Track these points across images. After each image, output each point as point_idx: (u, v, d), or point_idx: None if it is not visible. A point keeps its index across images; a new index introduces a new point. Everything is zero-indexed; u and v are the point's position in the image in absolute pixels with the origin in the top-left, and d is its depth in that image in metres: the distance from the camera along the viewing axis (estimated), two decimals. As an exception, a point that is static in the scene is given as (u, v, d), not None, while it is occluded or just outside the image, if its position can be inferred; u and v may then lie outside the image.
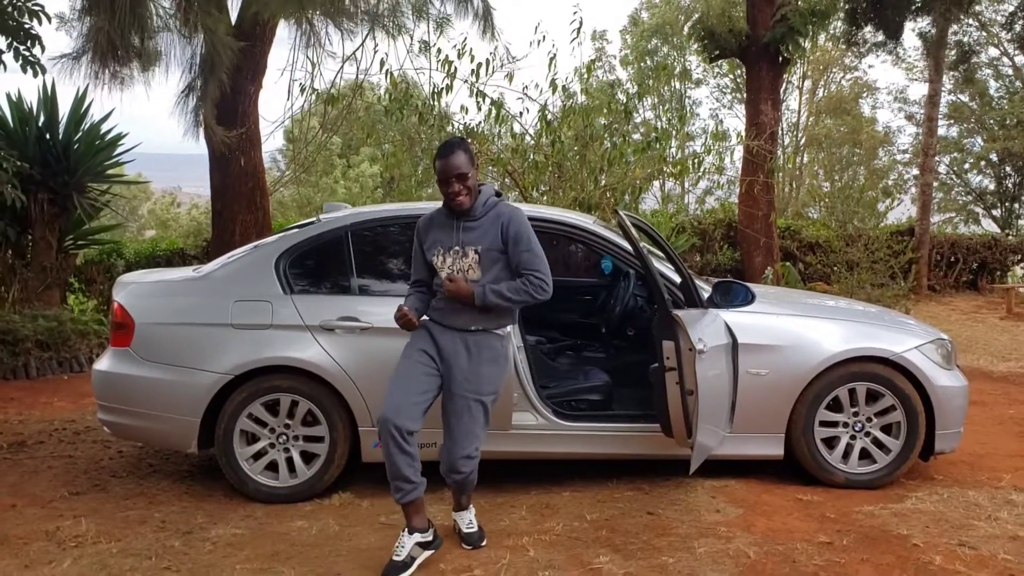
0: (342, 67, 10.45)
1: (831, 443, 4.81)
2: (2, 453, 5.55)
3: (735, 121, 31.68)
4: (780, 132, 15.36)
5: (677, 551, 3.89)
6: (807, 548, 3.92)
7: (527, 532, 4.12)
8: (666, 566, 3.73)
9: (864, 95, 31.42)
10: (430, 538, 3.81)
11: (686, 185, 24.00)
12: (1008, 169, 26.25)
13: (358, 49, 10.20)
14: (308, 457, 4.63)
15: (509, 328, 4.06)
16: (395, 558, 3.67)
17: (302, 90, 10.13)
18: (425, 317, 3.94)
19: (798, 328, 4.84)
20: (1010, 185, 26.39)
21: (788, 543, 3.98)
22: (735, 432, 4.68)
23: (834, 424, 4.80)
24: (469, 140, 8.59)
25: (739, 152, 13.38)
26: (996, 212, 26.81)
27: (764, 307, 4.92)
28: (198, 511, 4.46)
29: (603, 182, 8.66)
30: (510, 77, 8.59)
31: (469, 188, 3.77)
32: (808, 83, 31.81)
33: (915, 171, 26.37)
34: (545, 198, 8.77)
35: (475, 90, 8.53)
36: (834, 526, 4.20)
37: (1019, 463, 5.34)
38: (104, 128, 10.04)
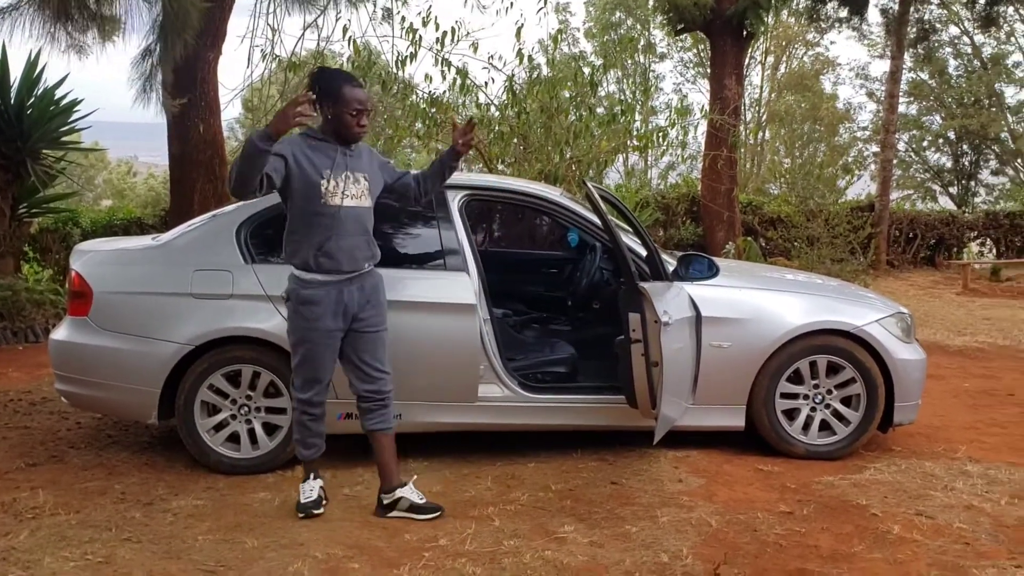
0: (303, 34, 10.26)
1: (792, 415, 4.87)
2: (-45, 424, 5.44)
3: (698, 96, 31.81)
4: (743, 107, 15.40)
5: (640, 520, 3.92)
6: (768, 518, 3.97)
7: (492, 502, 4.13)
8: (629, 535, 3.76)
9: (825, 71, 31.66)
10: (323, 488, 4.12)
11: (649, 160, 24.06)
12: (965, 147, 26.69)
13: (319, 16, 10.03)
14: (270, 429, 4.58)
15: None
16: (305, 499, 3.98)
17: (263, 57, 9.94)
18: (316, 277, 3.85)
19: (760, 301, 4.88)
20: (967, 163, 26.84)
21: (749, 512, 4.03)
22: (697, 403, 4.72)
23: (795, 396, 4.86)
24: (433, 110, 8.54)
25: (703, 127, 13.44)
26: (953, 190, 27.24)
27: (727, 281, 4.94)
28: (159, 482, 4.40)
29: (568, 155, 8.62)
30: (475, 47, 8.47)
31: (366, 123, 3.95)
32: (771, 59, 31.96)
33: (875, 148, 26.71)
34: (510, 170, 8.72)
35: (440, 59, 8.43)
36: (794, 496, 4.26)
37: (974, 435, 5.45)
38: (59, 93, 9.78)
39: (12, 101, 9.41)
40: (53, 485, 4.34)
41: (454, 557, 3.52)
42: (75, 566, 3.41)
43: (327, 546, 3.62)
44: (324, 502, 4.02)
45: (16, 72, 9.53)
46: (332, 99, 3.83)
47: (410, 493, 3.98)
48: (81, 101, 9.87)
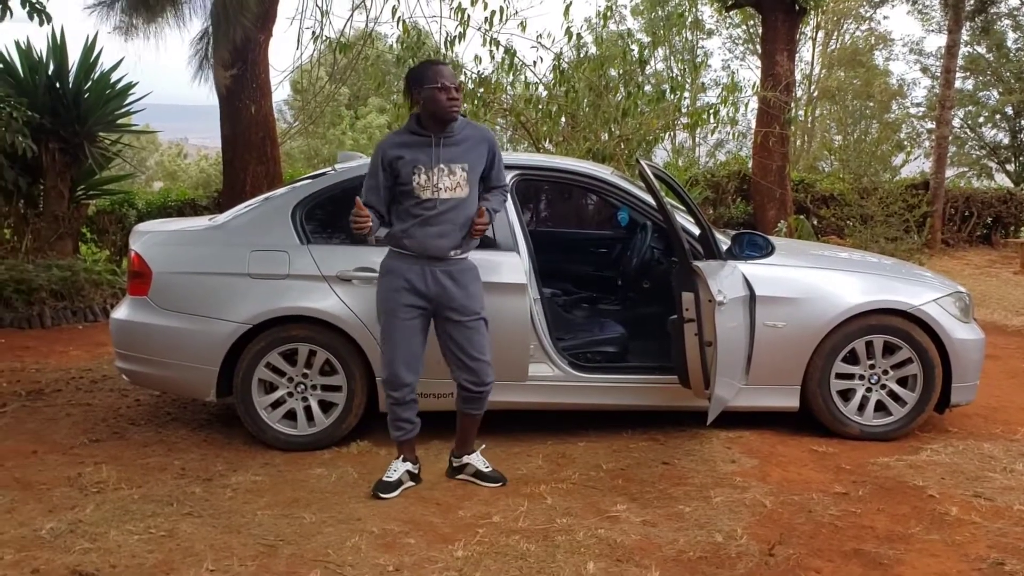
0: (352, 15, 10.36)
1: (847, 395, 4.82)
2: (21, 401, 5.60)
3: (747, 72, 31.35)
4: (794, 84, 15.13)
5: (693, 500, 3.92)
6: (823, 498, 3.95)
7: (544, 480, 4.16)
8: (682, 514, 3.76)
9: (879, 47, 30.98)
10: (416, 471, 4.14)
11: (697, 138, 23.83)
12: (1023, 123, 25.94)
13: (369, -3, 10.06)
14: (326, 406, 4.65)
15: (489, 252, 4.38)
16: (386, 478, 4.01)
17: (312, 38, 10.02)
18: (401, 252, 3.92)
19: (815, 280, 4.82)
20: (1024, 139, 26.10)
21: (804, 493, 4.01)
22: (751, 384, 4.69)
23: (850, 376, 4.80)
24: (481, 90, 8.54)
25: (753, 104, 13.24)
26: (1010, 167, 26.54)
27: (781, 259, 4.90)
28: (217, 459, 4.50)
29: (617, 133, 8.57)
30: (523, 26, 8.45)
31: (458, 99, 3.89)
32: (821, 34, 31.34)
33: (930, 124, 26.08)
34: (558, 148, 8.70)
35: (488, 38, 8.42)
36: (849, 477, 4.23)
37: (1033, 416, 5.35)
38: (114, 77, 9.96)
39: (71, 85, 9.61)
40: (115, 461, 4.46)
41: (508, 534, 3.55)
42: (139, 539, 3.50)
43: (383, 521, 3.68)
44: (403, 487, 4.03)
45: (74, 56, 9.72)
46: (418, 84, 3.86)
47: (477, 460, 4.17)
48: (136, 84, 10.05)
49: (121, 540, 3.49)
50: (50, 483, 4.13)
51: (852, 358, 4.79)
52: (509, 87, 8.95)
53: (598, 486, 4.11)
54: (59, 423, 5.13)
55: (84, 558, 3.33)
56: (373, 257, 4.51)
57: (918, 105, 29.94)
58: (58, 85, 9.56)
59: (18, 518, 3.70)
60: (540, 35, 8.63)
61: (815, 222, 14.87)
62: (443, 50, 8.56)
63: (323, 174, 4.96)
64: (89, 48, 9.67)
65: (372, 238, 3.96)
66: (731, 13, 23.45)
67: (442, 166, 3.86)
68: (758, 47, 20.05)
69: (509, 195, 4.65)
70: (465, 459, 4.19)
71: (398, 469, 4.05)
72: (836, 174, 16.78)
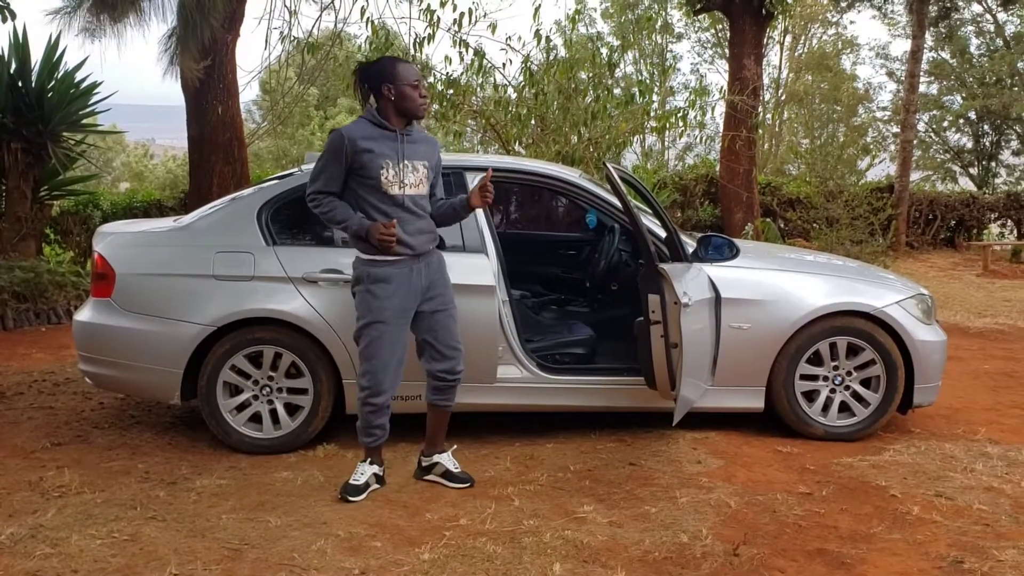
0: (320, 15, 10.26)
1: (811, 396, 4.87)
2: (-19, 404, 5.51)
3: (716, 76, 31.53)
4: (762, 88, 15.26)
5: (659, 501, 3.94)
6: (787, 498, 3.98)
7: (512, 482, 4.16)
8: (649, 515, 3.78)
9: (845, 51, 31.33)
10: (382, 473, 4.12)
11: (667, 141, 23.95)
12: (986, 127, 26.34)
13: (338, -3, 10.02)
14: (292, 409, 4.62)
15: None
16: (353, 481, 3.99)
17: (281, 38, 9.95)
18: (386, 258, 3.88)
19: (780, 283, 4.87)
20: (987, 143, 26.50)
21: (768, 494, 4.04)
22: (717, 385, 4.72)
23: (814, 378, 4.85)
24: (451, 91, 8.53)
25: (721, 108, 13.33)
26: (973, 171, 26.94)
27: (747, 262, 4.94)
28: (182, 462, 4.46)
29: (586, 136, 8.60)
30: (493, 28, 8.44)
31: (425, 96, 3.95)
32: (789, 39, 31.65)
33: (895, 128, 26.40)
34: (528, 151, 8.71)
35: (457, 40, 8.41)
36: (814, 477, 4.27)
37: (994, 416, 5.43)
38: (79, 76, 9.84)
39: (33, 84, 9.48)
40: (78, 464, 4.40)
41: (475, 536, 3.55)
42: (102, 544, 3.46)
43: (349, 525, 3.66)
44: (370, 488, 4.01)
45: (36, 55, 9.59)
46: (389, 79, 3.86)
47: (447, 460, 4.17)
48: (101, 84, 9.93)
49: (83, 545, 3.44)
50: (10, 487, 4.06)
51: (816, 359, 4.84)
52: (479, 89, 8.94)
53: (565, 487, 4.12)
54: (21, 426, 5.06)
55: (45, 563, 3.28)
56: (339, 259, 4.50)
57: (884, 109, 30.32)
58: (20, 84, 9.43)
59: (-23, 523, 3.64)
60: (510, 37, 8.64)
61: (782, 225, 15.02)
62: (412, 51, 8.54)
63: (290, 175, 4.92)
64: (52, 47, 9.55)
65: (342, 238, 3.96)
66: (700, 17, 23.61)
67: (407, 162, 3.87)
68: (727, 51, 20.23)
69: None
70: (435, 458, 4.18)
71: (365, 472, 4.03)
72: (803, 177, 16.95)
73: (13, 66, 9.45)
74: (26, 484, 4.10)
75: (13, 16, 8.51)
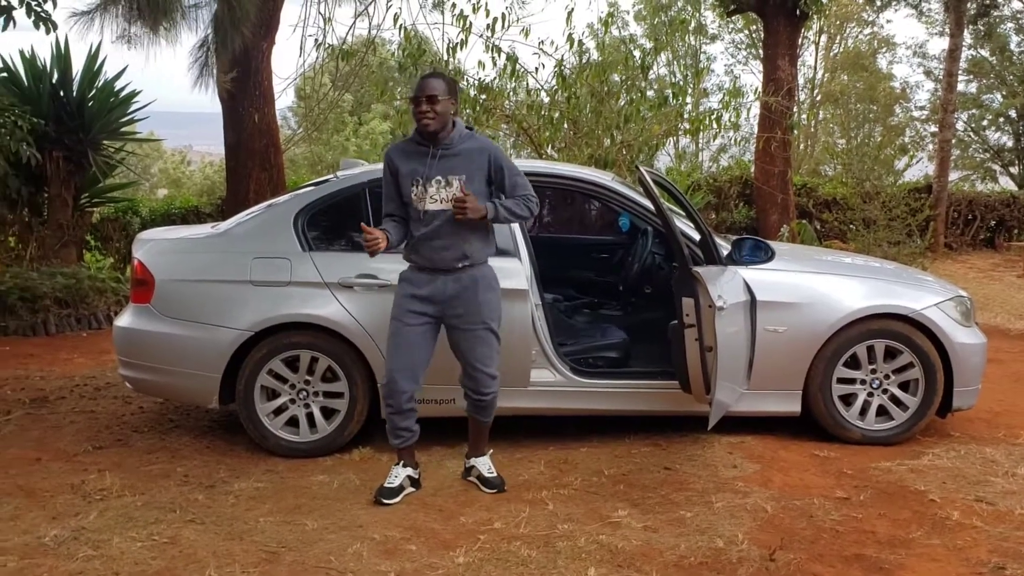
0: (354, 22, 10.39)
1: (848, 400, 4.82)
2: (25, 408, 5.61)
3: (750, 77, 31.35)
4: (796, 88, 15.11)
5: (695, 505, 3.92)
6: (824, 503, 3.95)
7: (545, 486, 4.16)
8: (684, 520, 3.77)
9: (881, 51, 30.97)
10: (417, 476, 4.14)
11: (700, 143, 23.84)
12: (1026, 126, 25.91)
13: (371, 4, 10.12)
14: (328, 413, 4.66)
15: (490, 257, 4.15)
16: (387, 484, 4.02)
17: (315, 45, 10.06)
18: (409, 261, 4.00)
19: (817, 285, 4.83)
20: (1028, 142, 26.06)
21: (805, 498, 4.01)
22: (752, 389, 4.69)
23: (852, 381, 4.80)
24: (483, 96, 8.56)
25: (755, 109, 13.24)
26: (1014, 169, 26.50)
27: (782, 264, 4.90)
28: (220, 465, 4.51)
29: (619, 139, 8.59)
30: (526, 32, 8.47)
31: (436, 112, 3.85)
32: (824, 38, 31.34)
33: (933, 128, 26.05)
34: (560, 155, 8.71)
35: (490, 45, 8.44)
36: (851, 482, 4.23)
37: (1036, 420, 5.34)
38: (118, 85, 10.00)
39: (75, 94, 9.65)
40: (119, 468, 4.47)
41: (509, 540, 3.56)
42: (142, 546, 3.51)
43: (384, 528, 3.69)
44: (404, 492, 4.03)
45: (77, 65, 9.77)
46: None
47: (482, 464, 4.20)
48: (139, 92, 10.09)
49: (124, 547, 3.50)
50: (54, 490, 4.14)
51: (854, 363, 4.79)
52: (511, 93, 8.97)
53: (600, 492, 4.11)
54: (63, 430, 5.15)
55: (87, 565, 3.35)
56: (374, 264, 4.53)
57: (921, 108, 29.92)
58: (62, 93, 9.60)
59: (22, 525, 3.72)
60: (542, 41, 8.66)
61: (818, 226, 14.86)
62: (444, 57, 8.59)
63: (325, 181, 4.98)
64: (93, 56, 9.71)
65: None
66: (734, 18, 23.47)
67: (439, 177, 3.89)
68: (761, 52, 20.04)
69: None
70: (472, 461, 4.23)
71: (399, 475, 4.06)
72: (839, 178, 16.77)
73: (55, 76, 9.63)
74: (68, 487, 4.18)
75: (55, 27, 8.67)
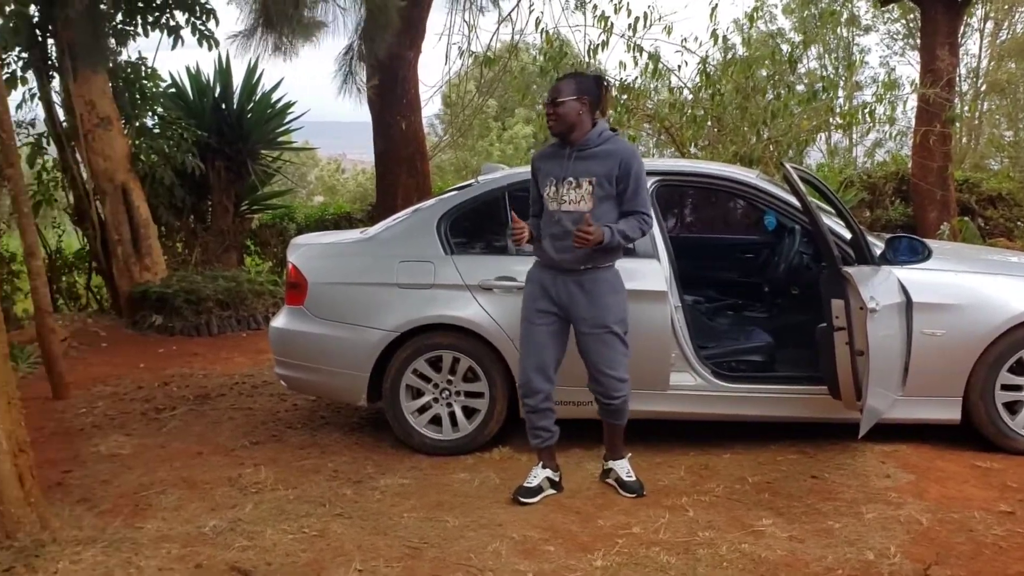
0: (498, 28, 10.52)
1: (1013, 408, 4.52)
2: (189, 405, 5.96)
3: (907, 69, 29.84)
4: (958, 79, 14.30)
5: (843, 516, 3.77)
6: (986, 517, 3.72)
7: (686, 492, 4.10)
8: (832, 530, 3.63)
9: (1055, 35, 28.91)
10: (557, 479, 4.15)
11: (854, 138, 22.91)
12: None
13: (514, 9, 10.24)
14: (469, 412, 4.75)
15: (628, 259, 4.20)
16: (527, 484, 4.05)
17: (460, 53, 10.25)
18: (536, 258, 4.10)
19: (979, 286, 4.56)
20: None
21: (964, 511, 3.79)
22: (908, 395, 4.47)
23: (1017, 388, 4.50)
24: (624, 96, 8.50)
25: (912, 101, 12.62)
26: None
27: (941, 264, 4.65)
28: (367, 461, 4.66)
29: (766, 135, 8.36)
30: (668, 30, 8.36)
31: (559, 114, 3.89)
32: (991, 24, 29.53)
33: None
34: (703, 153, 8.56)
35: (632, 45, 8.38)
36: (1016, 495, 3.97)
37: None
38: (274, 97, 10.51)
39: (235, 106, 10.20)
40: (273, 462, 4.69)
41: (648, 545, 3.52)
42: (293, 538, 3.67)
43: (523, 528, 3.72)
44: (543, 493, 4.06)
45: (237, 79, 10.33)
46: None
47: (620, 468, 4.18)
48: (295, 103, 10.56)
49: (276, 539, 3.66)
50: (213, 483, 4.38)
51: (1019, 368, 4.49)
52: (653, 92, 8.88)
53: (742, 499, 4.01)
54: (222, 426, 5.44)
55: (242, 555, 3.52)
56: (513, 266, 4.58)
57: (1100, 96, 27.76)
58: (223, 106, 10.18)
59: (184, 515, 3.95)
60: (685, 39, 8.54)
61: (981, 224, 14.00)
62: (586, 58, 8.58)
63: (467, 186, 5.07)
64: (251, 70, 10.24)
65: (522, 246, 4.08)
66: (889, 8, 22.44)
67: (571, 178, 3.92)
68: (918, 42, 19.07)
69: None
70: (610, 463, 4.22)
71: (538, 475, 4.09)
72: (1005, 172, 15.79)
73: (217, 90, 10.21)
74: (226, 480, 4.41)
75: (217, 44, 9.22)
